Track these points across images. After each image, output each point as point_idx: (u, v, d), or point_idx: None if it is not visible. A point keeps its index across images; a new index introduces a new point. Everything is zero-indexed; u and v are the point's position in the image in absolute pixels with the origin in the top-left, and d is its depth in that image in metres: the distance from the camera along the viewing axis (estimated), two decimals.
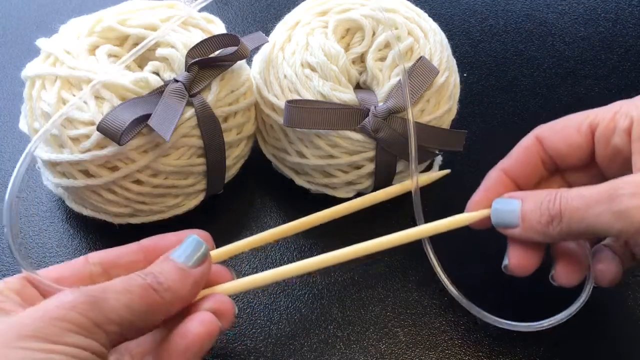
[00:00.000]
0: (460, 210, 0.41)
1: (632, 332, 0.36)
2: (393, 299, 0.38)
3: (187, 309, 0.30)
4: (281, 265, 0.39)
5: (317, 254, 0.39)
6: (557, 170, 0.35)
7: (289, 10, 0.42)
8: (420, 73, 0.37)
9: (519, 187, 0.34)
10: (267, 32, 0.41)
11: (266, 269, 0.38)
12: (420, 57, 0.37)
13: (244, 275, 0.38)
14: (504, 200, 0.33)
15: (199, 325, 0.29)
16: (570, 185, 0.35)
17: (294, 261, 0.39)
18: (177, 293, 0.28)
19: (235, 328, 0.36)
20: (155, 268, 0.29)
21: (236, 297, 0.38)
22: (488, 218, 0.33)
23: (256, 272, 0.39)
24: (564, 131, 0.33)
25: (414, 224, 0.36)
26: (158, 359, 0.29)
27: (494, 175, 0.34)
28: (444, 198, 0.42)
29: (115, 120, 0.33)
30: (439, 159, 0.42)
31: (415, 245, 0.40)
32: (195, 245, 0.30)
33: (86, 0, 0.56)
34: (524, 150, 0.34)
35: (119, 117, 0.33)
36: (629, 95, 0.48)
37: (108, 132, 0.33)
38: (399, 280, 0.38)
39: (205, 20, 0.39)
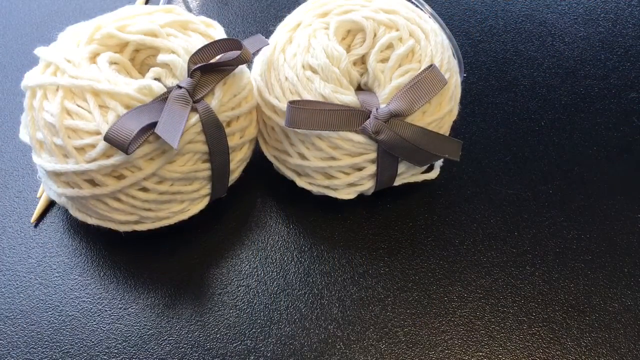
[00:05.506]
0: (461, 210, 0.41)
1: (632, 331, 0.36)
2: (393, 299, 0.38)
3: None
4: (281, 265, 0.39)
5: (317, 254, 0.39)
6: None
7: (289, 10, 0.42)
8: (429, 81, 0.36)
9: None
10: (267, 33, 0.41)
11: (266, 269, 0.39)
12: (431, 65, 0.37)
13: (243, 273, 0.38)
14: None
15: None
16: None
17: (294, 261, 0.39)
18: None
19: (235, 328, 0.36)
20: None
21: (236, 296, 0.38)
22: None
23: (256, 272, 0.39)
24: None
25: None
26: None
27: None
28: (445, 197, 0.42)
29: (121, 130, 0.32)
30: (439, 161, 0.42)
31: (415, 246, 0.40)
32: None
33: (82, 6, 0.55)
34: None
35: (125, 127, 0.32)
36: (628, 95, 0.48)
37: (115, 142, 0.32)
38: (399, 280, 0.38)
39: (204, 24, 0.39)
